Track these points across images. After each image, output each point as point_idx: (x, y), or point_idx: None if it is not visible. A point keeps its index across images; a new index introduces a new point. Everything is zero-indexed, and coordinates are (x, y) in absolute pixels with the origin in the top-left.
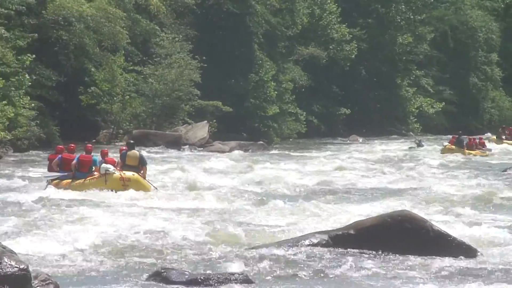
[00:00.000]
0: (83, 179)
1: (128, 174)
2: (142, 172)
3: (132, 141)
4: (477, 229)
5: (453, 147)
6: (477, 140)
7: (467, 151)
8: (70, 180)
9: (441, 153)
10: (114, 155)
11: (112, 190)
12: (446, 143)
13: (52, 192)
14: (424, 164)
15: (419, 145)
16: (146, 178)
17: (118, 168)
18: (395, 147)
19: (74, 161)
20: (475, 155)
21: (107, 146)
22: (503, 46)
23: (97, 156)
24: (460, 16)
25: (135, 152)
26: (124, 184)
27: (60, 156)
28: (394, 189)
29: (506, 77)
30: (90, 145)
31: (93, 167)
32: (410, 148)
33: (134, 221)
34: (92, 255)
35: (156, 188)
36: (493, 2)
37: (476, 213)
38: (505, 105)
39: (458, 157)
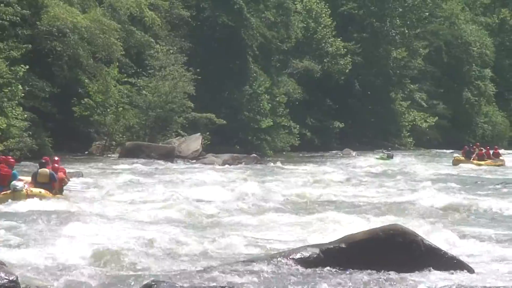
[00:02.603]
0: None
1: (35, 191)
2: (54, 187)
3: (43, 160)
4: (469, 243)
5: (462, 158)
6: (491, 151)
7: (476, 161)
8: None
9: (452, 164)
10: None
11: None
12: (456, 154)
13: (39, 204)
14: (415, 177)
15: (389, 156)
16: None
17: (29, 184)
18: (387, 161)
19: None
20: (485, 165)
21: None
22: (497, 62)
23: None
24: (454, 31)
25: (45, 170)
26: None
27: None
28: (385, 202)
29: (500, 92)
30: (12, 159)
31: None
32: (381, 157)
33: (123, 233)
34: (81, 266)
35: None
36: (487, 18)
37: (467, 227)
38: (498, 120)
39: (465, 167)
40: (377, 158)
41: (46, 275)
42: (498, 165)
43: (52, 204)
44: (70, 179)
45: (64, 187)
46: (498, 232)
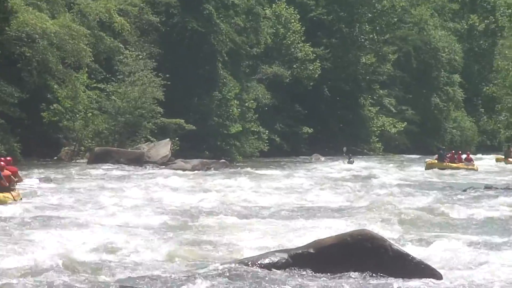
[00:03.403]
0: None
1: None
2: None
3: None
4: (437, 248)
5: (435, 161)
6: (463, 155)
7: (449, 164)
8: None
9: (425, 169)
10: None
11: None
12: (428, 159)
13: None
14: (385, 181)
15: (350, 161)
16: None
17: None
18: (355, 166)
19: None
20: (456, 168)
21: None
22: (465, 67)
23: None
24: (423, 36)
25: None
26: None
27: None
28: (354, 207)
29: (468, 98)
30: None
31: None
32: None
33: (91, 238)
34: (46, 271)
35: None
36: (456, 24)
37: (435, 232)
38: (466, 126)
39: (436, 172)
40: (343, 162)
41: (8, 280)
42: (470, 169)
43: (15, 208)
44: (27, 180)
45: (17, 187)
46: (466, 237)
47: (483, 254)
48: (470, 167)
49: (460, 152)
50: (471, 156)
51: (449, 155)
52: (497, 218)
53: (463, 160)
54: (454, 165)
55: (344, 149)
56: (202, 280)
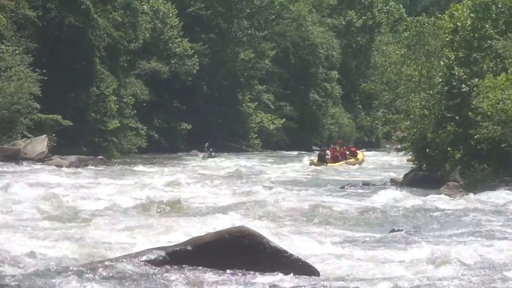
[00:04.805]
0: None
1: None
2: None
3: None
4: (314, 245)
5: (315, 161)
6: (347, 151)
7: (330, 164)
8: None
9: (309, 164)
10: None
11: None
12: (311, 158)
13: None
14: (263, 178)
15: (210, 155)
16: None
17: None
18: (236, 163)
19: None
20: (338, 166)
21: None
22: (343, 64)
23: None
24: (301, 32)
25: None
26: None
27: None
28: (233, 204)
29: (346, 94)
30: None
31: None
32: (202, 158)
33: None
34: None
35: None
36: (334, 19)
37: (313, 229)
38: (344, 122)
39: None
40: (202, 158)
41: None
42: (353, 164)
43: None
44: None
45: None
46: (343, 233)
47: (358, 250)
48: (352, 160)
49: (344, 148)
50: (355, 149)
51: (329, 153)
52: (372, 214)
53: (347, 155)
54: (337, 164)
55: (206, 144)
56: (79, 277)
